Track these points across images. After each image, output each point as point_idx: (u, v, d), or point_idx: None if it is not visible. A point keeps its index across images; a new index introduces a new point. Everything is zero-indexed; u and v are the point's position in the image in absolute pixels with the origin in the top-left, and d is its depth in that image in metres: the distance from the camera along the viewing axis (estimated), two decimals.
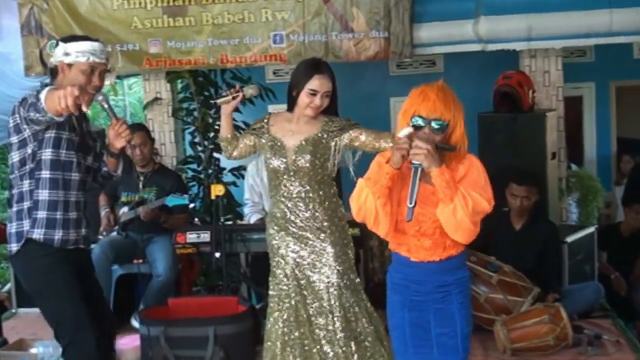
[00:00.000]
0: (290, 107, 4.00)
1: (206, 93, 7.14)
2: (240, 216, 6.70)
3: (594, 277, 6.11)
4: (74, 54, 3.72)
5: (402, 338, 3.18)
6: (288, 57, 6.62)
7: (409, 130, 2.98)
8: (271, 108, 8.06)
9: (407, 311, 3.16)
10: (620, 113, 9.15)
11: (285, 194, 3.99)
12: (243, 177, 6.81)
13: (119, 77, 8.47)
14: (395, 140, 3.04)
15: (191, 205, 6.07)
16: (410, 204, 2.91)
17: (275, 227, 4.02)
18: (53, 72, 3.83)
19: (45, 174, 3.76)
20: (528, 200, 5.54)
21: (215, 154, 7.04)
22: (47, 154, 3.75)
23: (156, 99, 7.20)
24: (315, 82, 3.88)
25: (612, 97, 9.08)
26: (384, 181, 2.99)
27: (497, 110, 6.26)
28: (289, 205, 3.98)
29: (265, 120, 4.07)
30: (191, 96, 7.15)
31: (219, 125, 7.05)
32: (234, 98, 4.00)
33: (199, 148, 7.14)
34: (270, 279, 4.08)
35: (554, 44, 6.47)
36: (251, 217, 5.72)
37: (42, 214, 3.76)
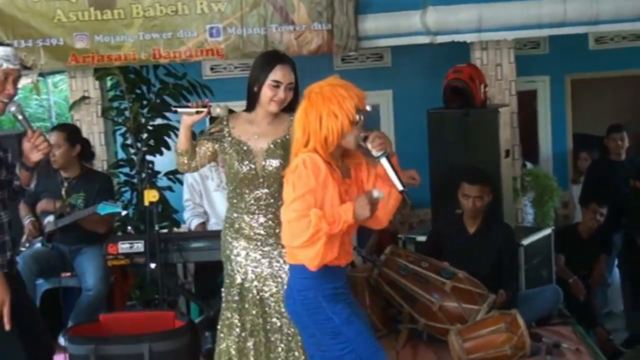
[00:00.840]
0: (251, 106, 3.95)
1: (138, 91, 7.04)
2: (177, 224, 6.64)
3: (551, 282, 6.19)
4: None
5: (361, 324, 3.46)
6: (225, 51, 6.58)
7: (379, 192, 3.29)
8: None
9: (349, 306, 3.45)
10: (576, 107, 9.28)
11: (252, 200, 3.94)
12: (180, 181, 6.75)
13: (41, 75, 8.31)
14: (373, 200, 3.29)
15: (124, 213, 5.98)
16: (404, 187, 3.32)
17: (234, 235, 3.98)
18: None
19: None
20: (481, 200, 5.56)
21: (149, 157, 6.95)
22: None
23: (84, 97, 7.08)
24: (278, 73, 3.84)
25: (568, 90, 9.19)
26: (340, 227, 3.24)
27: (447, 106, 6.30)
28: (254, 211, 3.94)
29: (225, 123, 4.00)
30: (122, 94, 7.03)
31: (152, 125, 7.10)
32: (197, 112, 3.89)
33: (132, 150, 7.03)
34: (223, 290, 4.05)
35: (506, 35, 6.55)
36: (192, 221, 5.66)
37: None
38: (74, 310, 5.53)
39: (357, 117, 3.30)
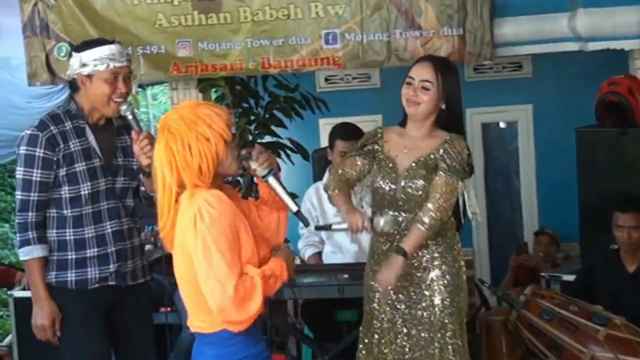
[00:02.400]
0: (403, 122, 4.08)
1: (245, 105, 7.11)
2: None
3: None
4: (92, 63, 3.89)
5: None
6: (343, 60, 6.54)
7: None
8: (322, 122, 8.00)
9: None
10: None
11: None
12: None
13: (141, 86, 8.45)
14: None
15: None
16: (298, 207, 3.23)
17: (375, 267, 4.02)
18: (73, 85, 4.03)
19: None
20: (637, 230, 5.41)
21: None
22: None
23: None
24: (414, 69, 3.98)
25: None
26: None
27: (601, 123, 6.13)
28: (398, 239, 3.95)
29: (379, 136, 4.08)
30: (227, 108, 7.06)
31: (260, 143, 7.09)
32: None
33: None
34: (361, 330, 4.12)
35: None
36: (305, 251, 5.65)
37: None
38: (174, 350, 5.55)
39: (232, 136, 3.12)
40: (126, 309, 4.15)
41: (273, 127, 7.08)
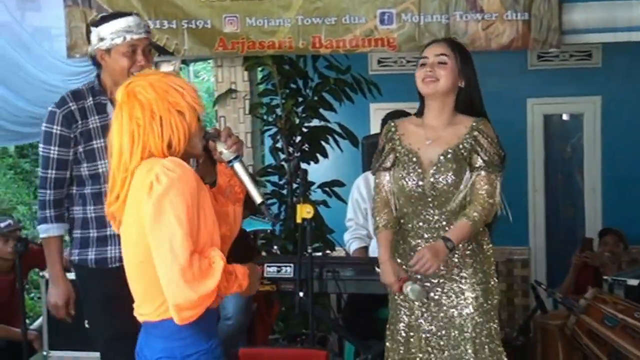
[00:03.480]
0: (419, 111, 4.01)
1: (293, 85, 7.10)
2: (332, 246, 6.61)
3: None
4: (109, 37, 3.96)
5: None
6: (398, 42, 6.53)
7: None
8: (374, 107, 7.97)
9: None
10: None
11: (420, 224, 3.95)
12: (337, 195, 6.72)
13: (184, 62, 8.49)
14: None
15: (270, 229, 6.02)
16: (263, 198, 3.16)
17: (404, 268, 3.97)
18: (95, 61, 4.09)
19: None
20: None
21: (303, 164, 6.97)
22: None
23: (230, 91, 7.19)
24: (427, 50, 3.96)
25: None
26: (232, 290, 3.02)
27: None
28: (426, 237, 3.94)
29: (393, 130, 4.03)
30: (274, 89, 7.11)
31: (307, 127, 7.12)
32: None
33: (282, 155, 7.08)
34: (388, 327, 4.10)
35: None
36: (351, 244, 5.63)
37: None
38: None
39: (201, 112, 2.99)
40: None
41: (321, 111, 7.06)
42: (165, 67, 7.44)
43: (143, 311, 3.01)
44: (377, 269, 4.11)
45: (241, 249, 5.53)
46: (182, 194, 2.79)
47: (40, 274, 6.21)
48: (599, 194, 8.23)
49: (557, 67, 8.38)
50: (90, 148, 4.02)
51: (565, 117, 8.76)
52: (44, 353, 6.20)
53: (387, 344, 4.10)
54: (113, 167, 2.94)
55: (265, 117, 7.22)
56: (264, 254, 6.45)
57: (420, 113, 4.00)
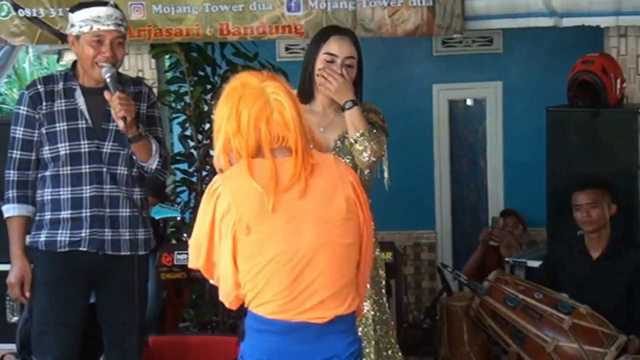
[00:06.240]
0: (306, 95, 3.94)
1: (201, 73, 7.07)
2: None
3: None
4: (78, 24, 4.06)
5: None
6: (305, 28, 6.52)
7: None
8: None
9: None
10: None
11: None
12: None
13: None
14: None
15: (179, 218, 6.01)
16: None
17: None
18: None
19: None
20: (596, 208, 5.47)
21: (212, 151, 6.95)
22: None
23: (137, 77, 7.11)
24: (333, 45, 3.86)
25: None
26: None
27: (572, 103, 6.17)
28: None
29: None
30: (182, 76, 7.07)
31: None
32: None
33: (191, 143, 7.06)
34: None
35: None
36: None
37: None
38: None
39: None
40: (111, 282, 4.21)
41: None
42: (69, 55, 7.35)
43: (334, 304, 2.88)
44: None
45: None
46: None
47: None
48: (501, 177, 8.35)
49: (460, 53, 8.44)
50: (52, 130, 4.10)
51: (469, 102, 8.85)
52: None
53: None
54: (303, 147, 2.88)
55: (173, 104, 7.17)
56: (173, 241, 6.45)
57: (307, 99, 3.93)
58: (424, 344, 6.22)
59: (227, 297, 2.90)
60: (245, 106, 2.87)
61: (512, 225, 7.29)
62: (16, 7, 6.23)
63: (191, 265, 2.97)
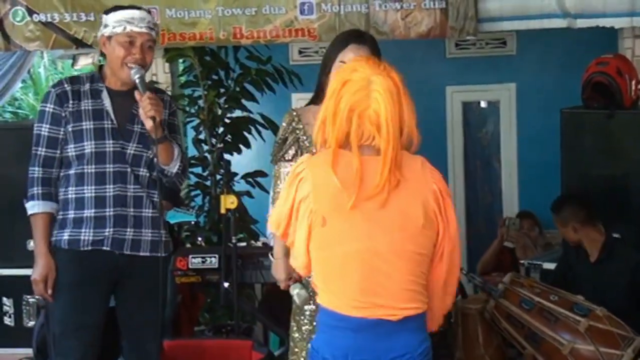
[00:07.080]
0: (320, 96, 3.82)
1: (215, 77, 7.08)
2: (256, 236, 6.62)
3: None
4: (111, 24, 4.12)
5: None
6: (318, 32, 6.50)
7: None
8: (295, 97, 7.99)
9: None
10: None
11: None
12: (260, 185, 6.73)
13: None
14: None
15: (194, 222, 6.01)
16: None
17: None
18: (101, 52, 4.33)
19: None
20: (569, 231, 5.68)
21: (226, 155, 6.96)
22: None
23: (152, 82, 7.11)
24: (349, 54, 3.81)
25: None
26: None
27: (587, 105, 6.16)
28: None
29: (296, 120, 3.98)
30: (195, 80, 7.08)
31: (229, 118, 7.10)
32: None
33: (205, 147, 7.06)
34: (292, 323, 4.06)
35: None
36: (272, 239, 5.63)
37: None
38: None
39: None
40: (132, 284, 4.21)
41: (244, 102, 7.06)
42: (84, 60, 7.37)
43: (406, 305, 2.90)
44: (271, 257, 4.06)
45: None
46: None
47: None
48: (515, 179, 8.35)
49: (474, 55, 8.46)
50: (79, 129, 4.13)
51: (483, 104, 8.86)
52: None
53: (296, 334, 4.05)
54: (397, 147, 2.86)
55: (187, 108, 7.18)
56: (188, 245, 6.45)
57: (319, 101, 3.84)
58: (439, 347, 6.19)
59: (296, 260, 2.98)
60: (346, 92, 2.85)
61: (528, 227, 7.27)
62: (31, 13, 6.24)
63: (270, 229, 3.10)
